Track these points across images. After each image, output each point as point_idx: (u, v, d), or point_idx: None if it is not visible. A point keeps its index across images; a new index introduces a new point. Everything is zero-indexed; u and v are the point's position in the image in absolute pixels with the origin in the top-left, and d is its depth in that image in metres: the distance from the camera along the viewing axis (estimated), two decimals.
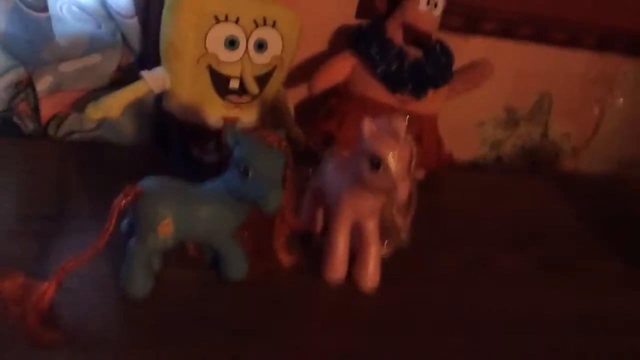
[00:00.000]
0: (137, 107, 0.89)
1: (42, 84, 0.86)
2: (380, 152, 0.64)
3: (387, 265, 0.75)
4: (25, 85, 0.85)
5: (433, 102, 0.96)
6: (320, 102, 1.00)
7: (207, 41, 0.81)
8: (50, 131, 0.90)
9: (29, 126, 0.87)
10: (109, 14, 0.85)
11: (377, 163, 0.64)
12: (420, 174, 0.99)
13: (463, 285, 0.80)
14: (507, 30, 1.10)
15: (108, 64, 0.87)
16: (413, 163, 0.67)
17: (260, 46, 0.84)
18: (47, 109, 0.88)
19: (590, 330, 0.76)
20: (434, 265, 0.83)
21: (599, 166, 1.28)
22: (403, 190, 0.65)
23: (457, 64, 0.98)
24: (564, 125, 1.25)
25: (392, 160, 0.64)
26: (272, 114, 0.94)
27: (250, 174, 0.60)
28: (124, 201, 0.59)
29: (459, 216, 0.97)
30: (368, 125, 0.66)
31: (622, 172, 1.29)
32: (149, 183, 0.62)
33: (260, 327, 0.65)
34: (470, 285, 0.80)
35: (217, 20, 0.80)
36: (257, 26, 0.83)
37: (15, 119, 0.85)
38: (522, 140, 1.24)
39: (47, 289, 0.58)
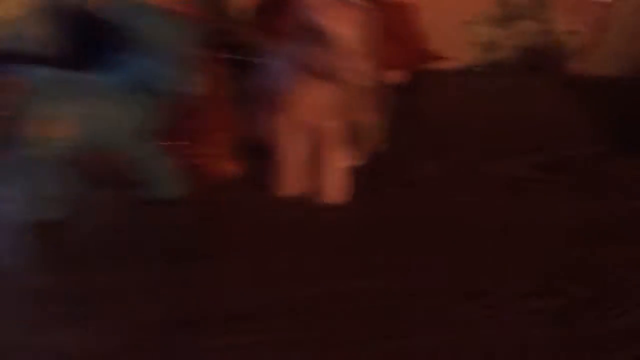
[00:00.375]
0: None
1: None
2: (324, 21, 0.51)
3: (359, 174, 0.63)
4: None
5: None
6: None
7: None
8: None
9: None
10: None
11: (322, 35, 0.51)
12: (398, 75, 0.85)
13: (449, 193, 0.68)
14: None
15: None
16: (373, 36, 0.54)
17: None
18: None
19: (595, 237, 0.64)
20: (416, 172, 0.71)
21: (610, 67, 1.14)
22: (361, 69, 0.52)
23: None
24: (569, 21, 1.09)
25: (341, 29, 0.51)
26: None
27: (139, 48, 0.47)
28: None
29: (447, 120, 0.85)
30: None
31: (636, 73, 1.14)
32: (36, 74, 0.49)
33: (205, 254, 0.55)
34: (457, 192, 0.68)
35: None
36: None
37: None
38: (521, 39, 1.09)
39: None
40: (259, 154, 0.64)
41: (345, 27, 0.51)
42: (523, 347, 0.47)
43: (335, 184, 0.62)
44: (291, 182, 0.62)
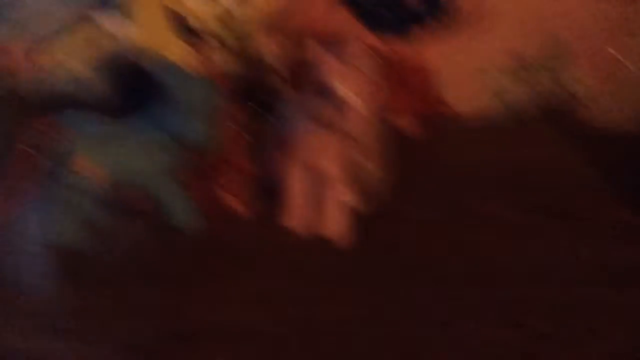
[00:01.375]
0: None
1: None
2: (326, 78, 0.57)
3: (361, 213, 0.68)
4: None
5: (421, 42, 0.88)
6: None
7: None
8: None
9: None
10: None
11: (324, 90, 0.57)
12: (406, 121, 0.90)
13: (444, 233, 0.72)
14: None
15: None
16: (375, 92, 0.60)
17: None
18: None
19: (590, 282, 0.66)
20: (414, 209, 0.75)
21: (618, 115, 1.16)
22: (359, 123, 0.58)
23: None
24: (579, 72, 1.13)
25: (342, 87, 0.57)
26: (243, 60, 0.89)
27: (171, 103, 0.54)
28: (38, 135, 0.55)
29: (453, 164, 0.89)
30: (315, 50, 0.59)
31: None
32: (67, 116, 0.57)
33: (210, 277, 0.60)
34: (452, 233, 0.72)
35: None
36: None
37: None
38: (533, 88, 1.12)
39: None
40: (270, 192, 0.70)
41: (353, 88, 0.57)
42: None
43: (336, 221, 0.68)
44: (296, 216, 0.67)
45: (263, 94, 0.80)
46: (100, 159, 0.58)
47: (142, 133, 0.59)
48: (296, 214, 0.68)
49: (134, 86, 0.79)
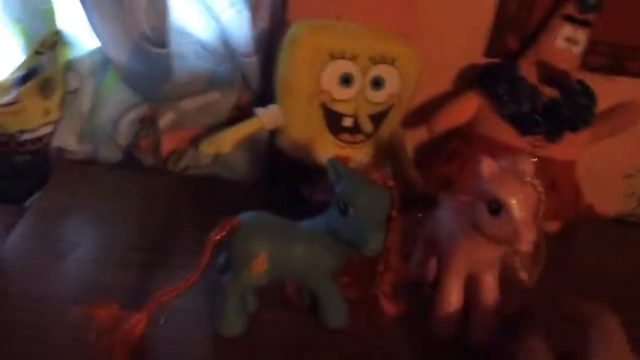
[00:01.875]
0: (250, 144, 0.88)
1: (164, 121, 0.88)
2: (501, 195, 0.57)
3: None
4: (149, 122, 0.87)
5: (571, 147, 0.86)
6: (442, 145, 0.94)
7: (321, 79, 0.78)
8: (170, 166, 0.91)
9: (149, 160, 0.90)
10: (229, 52, 0.86)
11: (497, 208, 0.57)
12: (555, 226, 0.88)
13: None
14: None
15: (226, 101, 0.88)
16: (541, 210, 0.59)
17: (377, 84, 0.81)
18: (167, 145, 0.90)
19: None
20: (554, 327, 0.72)
21: None
22: (526, 240, 0.56)
23: (602, 107, 0.88)
24: None
25: (515, 204, 0.56)
26: (387, 155, 0.90)
27: (349, 212, 0.55)
28: (219, 234, 0.57)
29: (594, 273, 0.84)
30: (488, 165, 0.59)
31: None
32: (246, 217, 0.59)
33: None
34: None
35: (333, 58, 0.78)
36: (374, 63, 0.80)
37: (136, 154, 0.88)
38: None
39: (138, 321, 0.57)
40: (422, 295, 0.70)
41: (516, 201, 0.56)
42: None
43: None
44: (447, 326, 0.66)
45: (417, 196, 0.81)
46: (263, 254, 0.59)
47: (307, 231, 0.60)
48: (449, 323, 0.67)
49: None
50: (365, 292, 0.65)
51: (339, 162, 0.57)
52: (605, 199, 1.04)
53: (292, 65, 0.79)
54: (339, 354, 0.63)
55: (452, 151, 0.91)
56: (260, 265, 0.57)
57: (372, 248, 0.54)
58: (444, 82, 0.97)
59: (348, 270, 0.64)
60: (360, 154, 0.84)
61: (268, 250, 0.57)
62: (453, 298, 0.65)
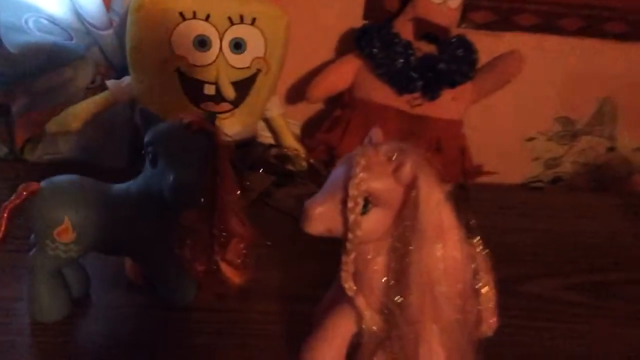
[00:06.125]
0: (111, 124, 0.81)
1: (17, 105, 0.80)
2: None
3: None
4: (0, 108, 0.80)
5: (453, 104, 0.82)
6: (328, 114, 0.89)
7: (172, 41, 0.72)
8: (27, 154, 0.83)
9: (4, 149, 0.82)
10: (84, 27, 0.79)
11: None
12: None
13: None
14: (551, 24, 0.93)
15: (82, 79, 0.81)
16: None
17: (238, 46, 0.75)
18: (21, 132, 0.82)
19: None
20: None
21: None
22: None
23: None
24: (636, 137, 1.04)
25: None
26: (265, 127, 0.84)
27: (159, 162, 0.48)
28: (15, 201, 0.49)
29: (491, 236, 0.79)
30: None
31: None
32: (49, 182, 0.52)
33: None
34: None
35: (183, 18, 0.71)
36: (232, 24, 0.74)
37: None
38: (584, 156, 1.04)
39: None
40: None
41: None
42: None
43: None
44: None
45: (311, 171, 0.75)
46: (81, 227, 0.51)
47: (124, 192, 0.53)
48: None
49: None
50: (211, 263, 0.58)
51: (148, 110, 0.51)
52: (511, 164, 0.99)
53: (139, 30, 0.72)
54: (184, 334, 0.56)
55: (335, 119, 0.85)
56: (64, 235, 0.50)
57: (174, 187, 0.47)
58: (326, 49, 0.91)
59: (192, 241, 0.57)
60: (229, 126, 0.77)
61: (71, 217, 0.50)
62: None
